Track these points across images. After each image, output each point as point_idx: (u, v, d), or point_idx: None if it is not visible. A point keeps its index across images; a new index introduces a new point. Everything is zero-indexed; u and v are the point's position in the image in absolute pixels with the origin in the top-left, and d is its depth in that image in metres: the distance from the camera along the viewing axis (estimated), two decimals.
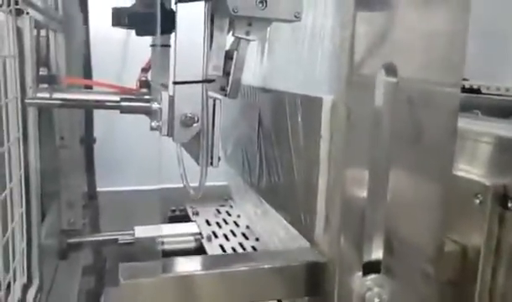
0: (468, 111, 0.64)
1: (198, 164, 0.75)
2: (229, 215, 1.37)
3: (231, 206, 1.44)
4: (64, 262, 1.26)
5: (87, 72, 1.27)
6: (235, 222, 1.31)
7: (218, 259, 0.64)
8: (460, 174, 0.40)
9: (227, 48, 0.75)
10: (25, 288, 0.80)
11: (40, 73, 0.88)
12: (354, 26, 0.40)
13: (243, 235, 1.21)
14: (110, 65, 1.32)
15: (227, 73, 0.75)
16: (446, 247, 0.39)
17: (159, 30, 0.74)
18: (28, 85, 0.74)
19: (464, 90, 0.81)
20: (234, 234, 1.22)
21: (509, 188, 0.36)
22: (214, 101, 0.72)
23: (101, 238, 1.34)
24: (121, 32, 1.13)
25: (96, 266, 1.40)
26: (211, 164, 0.74)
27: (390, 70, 0.39)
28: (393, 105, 0.38)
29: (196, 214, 1.38)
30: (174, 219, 1.45)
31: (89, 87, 1.12)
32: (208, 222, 1.31)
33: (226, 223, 1.30)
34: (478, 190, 0.37)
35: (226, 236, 1.20)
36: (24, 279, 0.79)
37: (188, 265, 0.47)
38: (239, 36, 0.72)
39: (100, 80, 0.91)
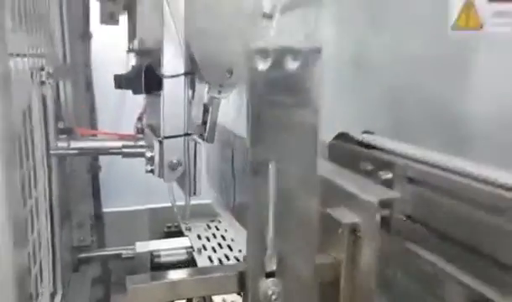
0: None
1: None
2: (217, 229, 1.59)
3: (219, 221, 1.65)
4: (76, 274, 1.47)
5: (93, 119, 1.48)
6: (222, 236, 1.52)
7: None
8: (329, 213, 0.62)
9: (205, 101, 0.97)
10: (52, 296, 1.00)
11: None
12: None
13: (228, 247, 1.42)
14: (112, 108, 1.52)
15: (204, 122, 0.97)
16: (324, 258, 0.60)
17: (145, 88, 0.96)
18: (51, 139, 0.96)
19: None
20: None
21: (357, 225, 0.58)
22: (195, 144, 0.94)
23: (107, 253, 1.56)
24: None
25: (103, 277, 1.61)
26: (195, 193, 0.96)
27: None
28: None
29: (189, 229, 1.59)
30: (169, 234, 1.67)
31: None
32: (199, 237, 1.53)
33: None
34: (340, 225, 0.59)
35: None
36: (51, 288, 0.99)
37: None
38: (213, 96, 0.94)
39: (105, 131, 1.13)
